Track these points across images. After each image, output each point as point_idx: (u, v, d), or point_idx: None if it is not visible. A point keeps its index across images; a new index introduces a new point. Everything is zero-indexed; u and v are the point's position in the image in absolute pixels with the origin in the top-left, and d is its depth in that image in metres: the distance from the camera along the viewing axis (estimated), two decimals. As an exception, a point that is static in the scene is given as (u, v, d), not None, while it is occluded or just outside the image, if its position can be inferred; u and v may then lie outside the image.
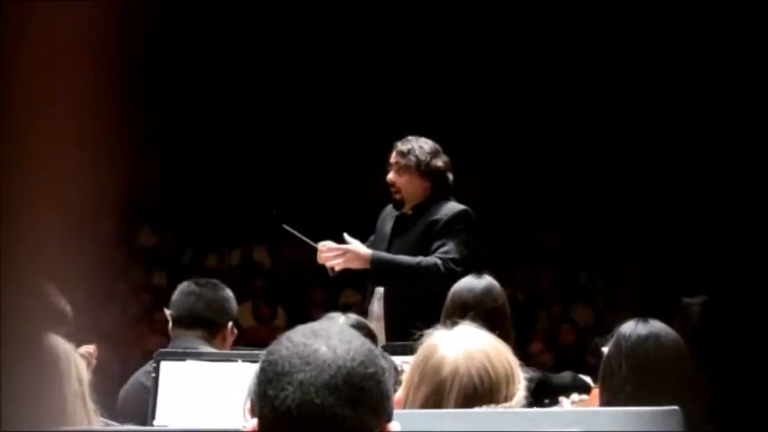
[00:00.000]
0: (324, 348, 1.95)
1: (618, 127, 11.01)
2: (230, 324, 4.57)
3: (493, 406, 2.67)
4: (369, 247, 5.83)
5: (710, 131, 10.22)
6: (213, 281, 4.72)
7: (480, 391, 2.71)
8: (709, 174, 10.13)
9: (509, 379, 2.75)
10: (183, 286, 4.64)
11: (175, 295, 4.63)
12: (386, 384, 1.99)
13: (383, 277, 5.72)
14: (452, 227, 5.73)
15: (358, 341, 1.99)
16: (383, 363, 2.01)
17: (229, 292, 4.64)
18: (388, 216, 5.97)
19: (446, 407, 2.70)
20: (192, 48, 11.28)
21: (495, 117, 11.35)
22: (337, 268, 5.68)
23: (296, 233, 5.78)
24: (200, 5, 11.11)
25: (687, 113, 10.52)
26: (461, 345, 2.77)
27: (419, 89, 11.11)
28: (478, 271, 4.99)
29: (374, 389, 1.95)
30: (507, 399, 2.73)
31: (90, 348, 4.31)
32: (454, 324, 2.86)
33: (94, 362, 4.33)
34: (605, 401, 3.54)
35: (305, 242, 5.78)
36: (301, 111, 11.50)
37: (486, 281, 4.76)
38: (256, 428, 1.98)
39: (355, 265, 5.69)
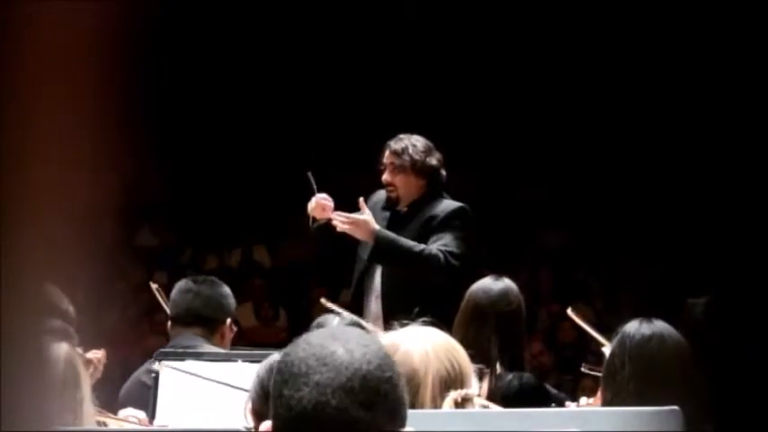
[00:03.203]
0: (341, 351, 1.95)
1: (618, 127, 11.00)
2: (228, 321, 4.54)
3: (466, 390, 2.69)
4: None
5: (711, 131, 10.22)
6: (211, 278, 4.72)
7: (453, 374, 2.74)
8: (711, 174, 10.13)
9: (471, 370, 2.79)
10: (181, 284, 4.62)
11: (173, 293, 4.62)
12: (401, 390, 1.98)
13: (384, 256, 5.70)
14: (450, 223, 5.74)
15: (375, 345, 1.99)
16: (398, 368, 2.01)
17: (227, 290, 4.61)
18: (378, 206, 5.96)
19: (423, 393, 2.71)
20: (191, 48, 11.27)
21: (495, 117, 11.34)
22: (340, 228, 5.66)
23: (312, 181, 5.80)
24: (199, 6, 11.11)
25: (688, 113, 10.52)
26: (424, 338, 2.81)
27: (418, 89, 11.10)
28: (481, 271, 4.99)
29: (390, 393, 1.95)
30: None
31: (98, 354, 4.29)
32: (403, 326, 2.89)
33: (101, 368, 4.31)
34: (608, 400, 3.55)
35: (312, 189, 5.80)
36: (300, 110, 11.50)
37: (503, 284, 4.77)
38: (271, 429, 1.98)
39: (359, 234, 5.69)
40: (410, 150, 5.80)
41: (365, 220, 5.68)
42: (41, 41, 2.08)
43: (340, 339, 1.97)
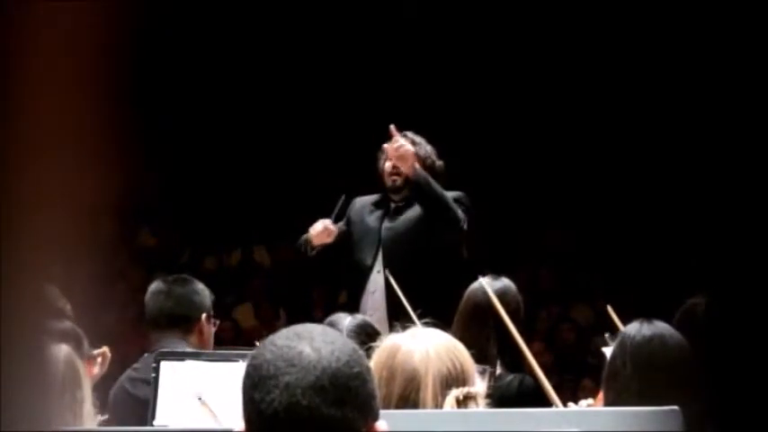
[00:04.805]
0: (308, 350, 1.96)
1: (618, 127, 11.01)
2: (204, 316, 4.47)
3: (468, 388, 2.70)
4: (345, 237, 5.92)
5: (711, 130, 10.22)
6: (183, 276, 4.64)
7: (454, 373, 2.75)
8: (710, 173, 10.13)
9: (473, 369, 2.80)
10: (153, 286, 4.56)
11: (147, 296, 4.56)
12: (371, 383, 2.00)
13: (422, 188, 5.79)
14: (458, 203, 5.85)
15: (341, 341, 2.00)
16: (367, 362, 2.02)
17: (200, 285, 4.54)
18: (366, 209, 6.03)
19: (424, 391, 2.72)
20: (191, 49, 11.27)
21: (495, 118, 11.34)
22: (403, 147, 5.78)
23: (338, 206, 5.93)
24: (198, 6, 11.11)
25: (687, 115, 10.52)
26: (425, 338, 2.83)
27: (417, 90, 11.10)
28: (481, 271, 5.01)
29: (360, 388, 1.96)
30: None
31: (103, 350, 4.26)
32: (405, 328, 2.91)
33: (107, 363, 4.29)
34: (610, 400, 3.56)
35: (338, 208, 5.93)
36: (300, 111, 11.50)
37: (502, 283, 4.77)
38: (244, 431, 1.98)
39: (404, 163, 5.83)
40: (426, 146, 5.94)
41: (414, 152, 5.80)
42: (42, 42, 2.08)
43: (305, 338, 1.98)
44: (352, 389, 1.95)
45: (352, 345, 2.01)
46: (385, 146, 5.90)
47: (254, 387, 1.95)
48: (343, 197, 5.97)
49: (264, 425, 1.93)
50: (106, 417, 4.06)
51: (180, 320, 4.44)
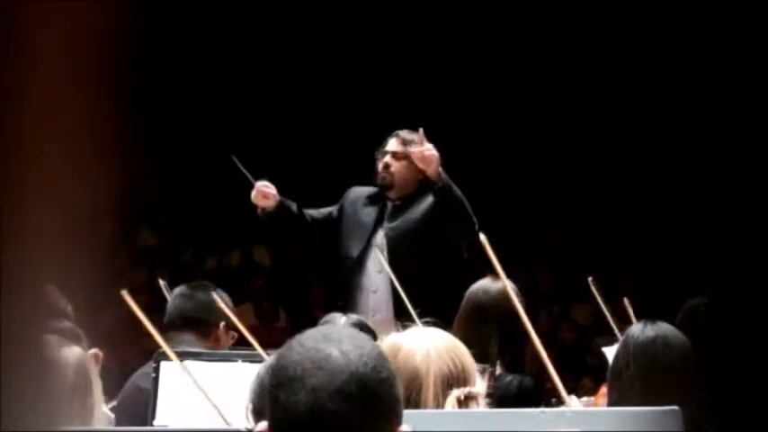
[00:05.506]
0: (336, 353, 1.95)
1: (618, 127, 11.00)
2: (222, 324, 4.49)
3: (469, 388, 2.70)
4: (337, 229, 5.92)
5: (710, 130, 10.22)
6: (206, 283, 4.70)
7: (455, 373, 2.75)
8: (711, 172, 10.13)
9: (474, 369, 2.80)
10: (177, 290, 4.61)
11: (169, 299, 4.61)
12: (397, 388, 1.99)
13: (445, 192, 5.81)
14: None
15: (369, 345, 1.99)
16: (392, 366, 2.01)
17: (223, 295, 4.56)
18: (359, 202, 6.02)
19: (425, 391, 2.72)
20: (191, 48, 11.27)
21: (494, 118, 11.34)
22: (427, 152, 5.78)
23: (241, 168, 5.93)
24: (198, 7, 11.11)
25: (686, 115, 10.52)
26: (426, 338, 2.83)
27: (417, 89, 11.10)
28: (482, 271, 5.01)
29: (386, 393, 1.96)
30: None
31: (98, 353, 4.26)
32: (405, 327, 2.91)
33: (98, 368, 4.29)
34: (613, 400, 3.57)
35: (246, 177, 5.93)
36: (300, 111, 11.49)
37: (503, 283, 4.76)
38: (266, 430, 1.98)
39: (430, 166, 5.80)
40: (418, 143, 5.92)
41: (438, 156, 5.83)
42: (42, 43, 2.08)
43: (334, 341, 1.97)
44: (379, 394, 1.94)
45: (379, 349, 2.00)
46: (411, 149, 5.88)
47: (281, 387, 1.94)
48: (234, 158, 6.00)
49: (289, 425, 1.92)
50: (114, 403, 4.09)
51: (195, 322, 4.47)
